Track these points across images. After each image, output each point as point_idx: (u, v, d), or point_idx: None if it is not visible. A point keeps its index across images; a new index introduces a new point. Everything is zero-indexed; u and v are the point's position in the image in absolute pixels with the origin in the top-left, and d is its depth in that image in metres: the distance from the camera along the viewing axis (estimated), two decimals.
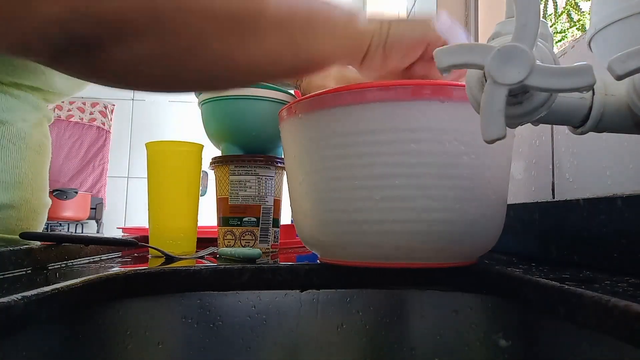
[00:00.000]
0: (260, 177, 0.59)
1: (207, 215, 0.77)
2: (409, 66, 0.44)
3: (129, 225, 2.84)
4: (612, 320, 0.25)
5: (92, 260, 0.53)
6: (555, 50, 0.48)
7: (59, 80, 0.60)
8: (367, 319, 0.47)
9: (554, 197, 0.54)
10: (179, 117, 3.05)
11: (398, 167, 0.39)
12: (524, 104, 0.27)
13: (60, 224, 2.89)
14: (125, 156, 3.17)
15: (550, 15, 0.88)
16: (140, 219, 2.74)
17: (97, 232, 2.98)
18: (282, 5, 0.37)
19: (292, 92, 0.63)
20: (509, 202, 0.46)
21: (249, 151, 0.62)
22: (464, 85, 0.37)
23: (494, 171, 0.41)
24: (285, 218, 0.69)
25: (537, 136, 0.58)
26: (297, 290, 0.47)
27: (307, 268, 0.46)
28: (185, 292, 0.45)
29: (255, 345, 0.46)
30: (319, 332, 0.47)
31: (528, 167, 0.60)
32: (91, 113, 3.15)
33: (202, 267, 0.45)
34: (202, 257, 0.55)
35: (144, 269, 0.44)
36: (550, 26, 0.85)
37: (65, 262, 0.49)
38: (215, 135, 0.64)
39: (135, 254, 0.62)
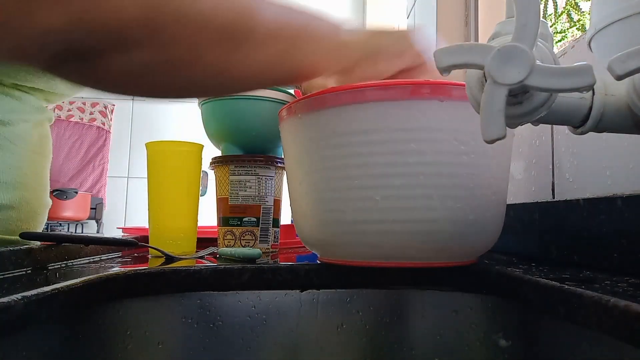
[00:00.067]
0: (260, 177, 0.59)
1: (207, 215, 0.77)
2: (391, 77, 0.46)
3: (129, 225, 2.84)
4: (612, 320, 0.25)
5: (92, 260, 0.53)
6: (555, 50, 0.48)
7: (61, 82, 0.60)
8: (367, 319, 0.47)
9: (554, 197, 0.54)
10: (179, 117, 3.05)
11: (398, 166, 0.39)
12: (524, 104, 0.27)
13: (60, 224, 2.89)
14: (125, 156, 3.17)
15: (550, 15, 0.88)
16: (140, 219, 2.74)
17: (97, 232, 2.97)
18: (274, 17, 0.38)
19: (292, 92, 0.63)
20: (509, 202, 0.46)
21: (249, 151, 0.62)
22: (463, 85, 0.37)
23: (493, 171, 0.41)
24: (285, 218, 0.69)
25: (537, 136, 0.58)
26: (297, 290, 0.47)
27: (307, 268, 0.46)
28: (185, 292, 0.45)
29: (255, 345, 0.46)
30: (319, 332, 0.47)
31: (528, 167, 0.60)
32: (91, 113, 3.15)
33: (202, 267, 0.45)
34: (202, 257, 0.55)
35: (144, 269, 0.44)
36: (550, 26, 0.85)
37: (65, 262, 0.49)
38: (215, 135, 0.64)
39: (135, 254, 0.62)
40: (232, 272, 0.45)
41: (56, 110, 3.05)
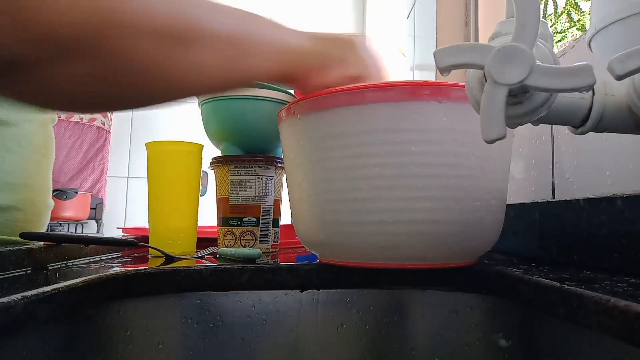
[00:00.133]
0: (260, 177, 0.59)
1: (207, 215, 0.77)
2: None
3: (129, 225, 2.84)
4: (612, 320, 0.25)
5: (92, 260, 0.53)
6: (555, 50, 0.48)
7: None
8: (367, 319, 0.47)
9: (554, 197, 0.54)
10: (179, 117, 3.05)
11: (397, 167, 0.39)
12: (524, 104, 0.27)
13: (60, 224, 2.88)
14: (125, 156, 3.17)
15: (550, 15, 0.88)
16: (140, 219, 2.74)
17: (97, 232, 2.97)
18: (218, 23, 0.38)
19: (292, 92, 0.63)
20: (508, 202, 0.46)
21: (249, 151, 0.62)
22: (462, 86, 0.37)
23: (493, 171, 0.41)
24: (285, 218, 0.69)
25: (537, 136, 0.58)
26: (297, 290, 0.47)
27: (307, 268, 0.46)
28: (185, 292, 0.45)
29: (255, 345, 0.46)
30: (319, 332, 0.47)
31: (528, 167, 0.60)
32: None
33: (202, 267, 0.45)
34: (202, 257, 0.55)
35: (144, 269, 0.44)
36: (550, 26, 0.85)
37: (65, 262, 0.49)
38: (215, 135, 0.64)
39: (135, 254, 0.62)
40: (232, 272, 0.45)
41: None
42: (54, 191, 0.65)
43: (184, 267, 0.45)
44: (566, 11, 0.85)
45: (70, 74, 0.32)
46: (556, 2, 0.87)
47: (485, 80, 0.26)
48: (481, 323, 0.44)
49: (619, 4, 0.30)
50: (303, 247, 0.71)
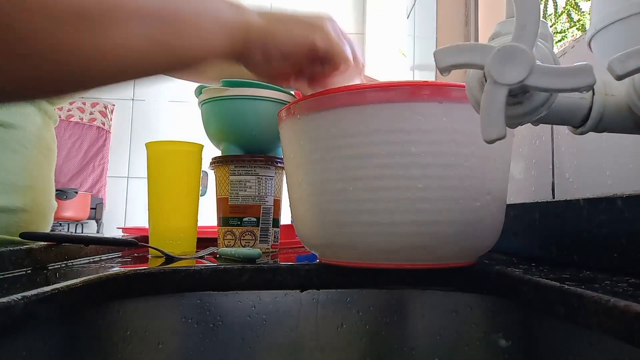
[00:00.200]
0: (260, 177, 0.59)
1: (207, 215, 0.77)
2: (302, 68, 0.44)
3: (129, 225, 2.84)
4: (612, 320, 0.25)
5: (92, 260, 0.53)
6: (555, 50, 0.48)
7: None
8: (367, 319, 0.47)
9: (554, 197, 0.54)
10: (179, 117, 3.05)
11: (397, 168, 0.39)
12: (524, 104, 0.27)
13: (60, 224, 2.88)
14: (125, 156, 3.17)
15: (550, 15, 0.88)
16: (140, 219, 2.74)
17: (97, 232, 2.97)
18: (140, 2, 0.35)
19: (292, 92, 0.63)
20: (508, 202, 0.46)
21: (249, 151, 0.62)
22: (462, 86, 0.37)
23: (493, 172, 0.41)
24: (285, 218, 0.69)
25: (537, 136, 0.58)
26: (297, 290, 0.47)
27: (307, 268, 0.46)
28: (185, 292, 0.45)
29: (255, 345, 0.46)
30: (319, 332, 0.47)
31: (528, 167, 0.60)
32: (91, 113, 3.15)
33: (202, 267, 0.45)
34: (202, 257, 0.55)
35: (144, 269, 0.44)
36: (550, 26, 0.85)
37: (65, 262, 0.49)
38: (215, 135, 0.64)
39: (135, 254, 0.62)
40: (232, 272, 0.45)
41: (56, 110, 3.04)
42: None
43: (184, 267, 0.45)
44: (566, 11, 0.85)
45: None
46: (556, 2, 0.87)
47: (485, 80, 0.26)
48: (481, 323, 0.44)
49: (619, 4, 0.30)
50: (303, 247, 0.71)
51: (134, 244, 0.57)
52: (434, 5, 1.05)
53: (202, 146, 0.62)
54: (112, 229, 2.93)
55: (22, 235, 0.49)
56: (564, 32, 0.86)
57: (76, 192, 2.82)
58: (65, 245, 0.50)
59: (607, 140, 0.45)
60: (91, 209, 2.95)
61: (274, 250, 0.62)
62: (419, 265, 0.42)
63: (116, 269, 0.43)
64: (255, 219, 0.59)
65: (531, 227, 0.53)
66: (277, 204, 0.62)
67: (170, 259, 0.54)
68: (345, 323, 0.47)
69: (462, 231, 0.40)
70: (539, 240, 0.51)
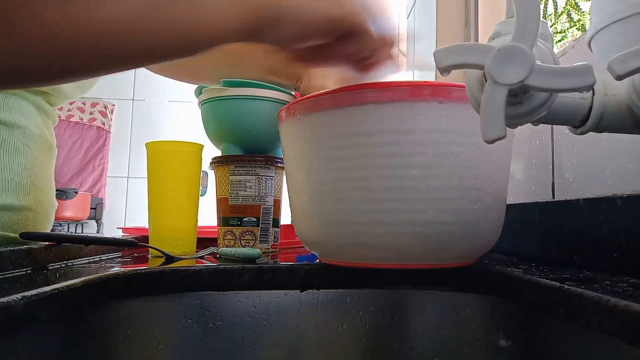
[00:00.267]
0: (260, 177, 0.59)
1: (207, 215, 0.77)
2: (326, 46, 0.40)
3: (129, 225, 2.84)
4: (612, 320, 0.25)
5: (92, 260, 0.53)
6: (555, 50, 0.48)
7: (65, 84, 0.60)
8: (367, 319, 0.47)
9: (554, 197, 0.54)
10: (179, 117, 3.05)
11: (397, 168, 0.39)
12: (524, 104, 0.27)
13: (60, 224, 2.88)
14: (125, 156, 3.17)
15: (550, 15, 0.88)
16: (140, 219, 2.74)
17: (97, 232, 2.97)
18: None
19: (292, 92, 0.64)
20: (508, 202, 0.46)
21: (249, 151, 0.62)
22: (463, 86, 0.37)
23: (493, 172, 0.41)
24: (285, 218, 0.69)
25: (537, 136, 0.58)
26: (297, 290, 0.47)
27: (307, 268, 0.46)
28: (185, 292, 0.45)
29: (255, 345, 0.46)
30: (319, 332, 0.47)
31: (528, 167, 0.60)
32: (91, 113, 3.15)
33: (202, 267, 0.45)
34: (202, 257, 0.55)
35: (144, 269, 0.44)
36: (550, 26, 0.85)
37: (65, 262, 0.49)
38: (215, 135, 0.64)
39: (135, 254, 0.62)
40: (232, 272, 0.45)
41: (56, 110, 3.04)
42: None
43: (184, 267, 0.45)
44: (566, 11, 0.85)
45: None
46: (556, 2, 0.87)
47: (485, 80, 0.26)
48: (481, 323, 0.44)
49: (619, 4, 0.30)
50: (303, 247, 0.71)
51: (134, 244, 0.57)
52: (434, 5, 1.05)
53: (202, 146, 0.62)
54: (112, 229, 2.93)
55: (22, 235, 0.49)
56: (564, 32, 0.86)
57: (76, 192, 2.82)
58: (65, 245, 0.50)
59: (607, 140, 0.45)
60: (91, 209, 2.95)
61: (274, 250, 0.62)
62: (419, 265, 0.42)
63: (116, 269, 0.43)
64: (255, 219, 0.59)
65: (531, 227, 0.53)
66: (277, 204, 0.62)
67: (170, 259, 0.54)
68: (345, 323, 0.47)
69: (463, 231, 0.40)
70: (539, 240, 0.51)
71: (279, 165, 0.61)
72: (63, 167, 3.03)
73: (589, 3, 0.57)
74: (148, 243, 0.59)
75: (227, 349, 0.45)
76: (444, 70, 0.26)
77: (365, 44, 0.39)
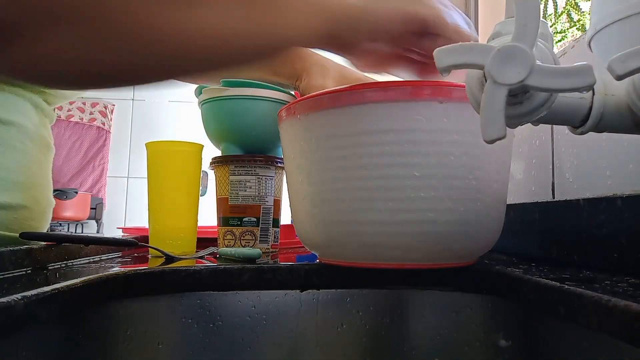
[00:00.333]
0: (260, 177, 0.59)
1: (207, 215, 0.77)
2: (410, 47, 0.40)
3: (129, 225, 2.84)
4: (612, 320, 0.25)
5: (92, 260, 0.53)
6: (555, 50, 0.48)
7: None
8: (367, 319, 0.47)
9: (554, 197, 0.54)
10: (179, 117, 3.05)
11: (397, 167, 0.39)
12: (524, 104, 0.27)
13: (60, 224, 2.89)
14: (125, 156, 3.17)
15: (550, 15, 0.88)
16: (140, 219, 2.74)
17: (97, 232, 2.97)
18: None
19: (292, 92, 0.64)
20: (508, 202, 0.46)
21: (249, 151, 0.62)
22: (463, 86, 0.37)
23: (494, 172, 0.41)
24: (285, 218, 0.69)
25: (537, 136, 0.58)
26: (297, 290, 0.47)
27: (307, 268, 0.46)
28: (185, 292, 0.45)
29: (255, 345, 0.46)
30: (319, 332, 0.47)
31: (528, 167, 0.60)
32: (91, 113, 3.15)
33: (202, 267, 0.45)
34: (202, 257, 0.55)
35: (144, 269, 0.44)
36: (550, 26, 0.85)
37: (65, 262, 0.49)
38: (215, 135, 0.64)
39: (135, 254, 0.62)
40: (232, 272, 0.45)
41: (56, 110, 3.04)
42: (54, 191, 0.65)
43: (184, 267, 0.45)
44: (566, 11, 0.85)
45: (60, 42, 0.30)
46: (556, 2, 0.87)
47: (485, 80, 0.26)
48: (481, 323, 0.44)
49: (619, 4, 0.30)
50: (303, 247, 0.71)
51: (134, 244, 0.57)
52: None
53: (202, 146, 0.62)
54: (112, 229, 2.93)
55: (22, 235, 0.49)
56: (564, 32, 0.86)
57: (76, 192, 2.82)
58: (65, 245, 0.50)
59: (607, 140, 0.45)
60: (91, 209, 2.95)
61: (274, 250, 0.62)
62: (419, 265, 0.42)
63: (116, 269, 0.43)
64: (255, 219, 0.59)
65: (531, 227, 0.53)
66: (277, 204, 0.62)
67: (170, 259, 0.54)
68: (345, 323, 0.47)
69: (463, 231, 0.40)
70: (539, 240, 0.51)
71: (279, 165, 0.61)
72: (63, 167, 3.03)
73: (589, 3, 0.57)
74: (148, 243, 0.59)
75: (227, 349, 0.45)
76: (443, 70, 0.26)
77: (442, 35, 0.38)
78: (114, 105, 3.20)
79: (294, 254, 0.63)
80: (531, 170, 0.59)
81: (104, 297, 0.40)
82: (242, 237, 0.59)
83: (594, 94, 0.28)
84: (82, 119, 3.15)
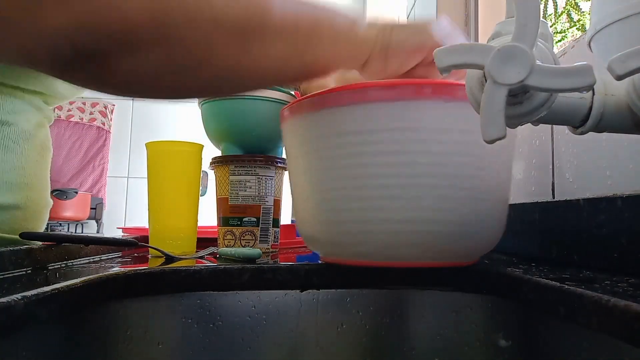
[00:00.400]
0: (260, 177, 0.59)
1: (207, 215, 0.77)
2: (409, 70, 0.45)
3: (129, 225, 2.84)
4: (612, 320, 0.25)
5: (92, 260, 0.53)
6: (555, 50, 0.48)
7: (61, 85, 0.60)
8: (367, 319, 0.47)
9: (554, 197, 0.54)
10: (179, 117, 3.05)
11: (400, 167, 0.39)
12: (524, 104, 0.27)
13: (60, 224, 2.88)
14: (125, 156, 3.17)
15: (550, 15, 0.88)
16: (140, 219, 2.74)
17: (97, 232, 2.97)
18: (286, 12, 0.37)
19: (292, 92, 0.64)
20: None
21: (249, 151, 0.62)
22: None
23: (496, 172, 0.41)
24: (285, 218, 0.69)
25: (537, 136, 0.58)
26: (297, 290, 0.47)
27: (307, 268, 0.46)
28: (185, 292, 0.45)
29: (255, 345, 0.46)
30: (319, 332, 0.47)
31: (528, 167, 0.60)
32: (91, 113, 3.15)
33: (202, 267, 0.45)
34: (202, 257, 0.55)
35: (144, 269, 0.44)
36: (550, 26, 0.85)
37: (65, 262, 0.49)
38: (215, 135, 0.64)
39: (135, 254, 0.62)
40: (232, 272, 0.45)
41: (56, 110, 3.04)
42: (53, 191, 0.65)
43: (184, 267, 0.45)
44: (566, 11, 0.85)
45: (135, 66, 0.33)
46: (556, 2, 0.87)
47: (485, 80, 0.26)
48: (481, 323, 0.44)
49: (619, 4, 0.30)
50: (303, 247, 0.71)
51: (134, 244, 0.57)
52: (434, 5, 1.05)
53: (202, 146, 0.62)
54: (112, 229, 2.93)
55: (22, 235, 0.49)
56: (564, 32, 0.86)
57: (76, 192, 2.82)
58: (65, 245, 0.50)
59: (607, 140, 0.45)
60: (91, 209, 2.95)
61: (274, 250, 0.62)
62: (419, 265, 0.42)
63: (116, 269, 0.43)
64: (255, 219, 0.59)
65: (531, 227, 0.53)
66: (277, 204, 0.62)
67: (170, 259, 0.54)
68: (345, 323, 0.47)
69: (465, 231, 0.40)
70: (539, 240, 0.51)
71: (279, 165, 0.61)
72: (63, 167, 3.03)
73: (589, 3, 0.57)
74: (148, 243, 0.59)
75: (227, 349, 0.45)
76: (443, 70, 0.26)
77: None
78: (114, 105, 3.20)
79: (294, 254, 0.63)
80: (531, 170, 0.59)
81: (104, 297, 0.40)
82: (242, 237, 0.59)
83: (594, 94, 0.28)
84: (82, 119, 3.15)
